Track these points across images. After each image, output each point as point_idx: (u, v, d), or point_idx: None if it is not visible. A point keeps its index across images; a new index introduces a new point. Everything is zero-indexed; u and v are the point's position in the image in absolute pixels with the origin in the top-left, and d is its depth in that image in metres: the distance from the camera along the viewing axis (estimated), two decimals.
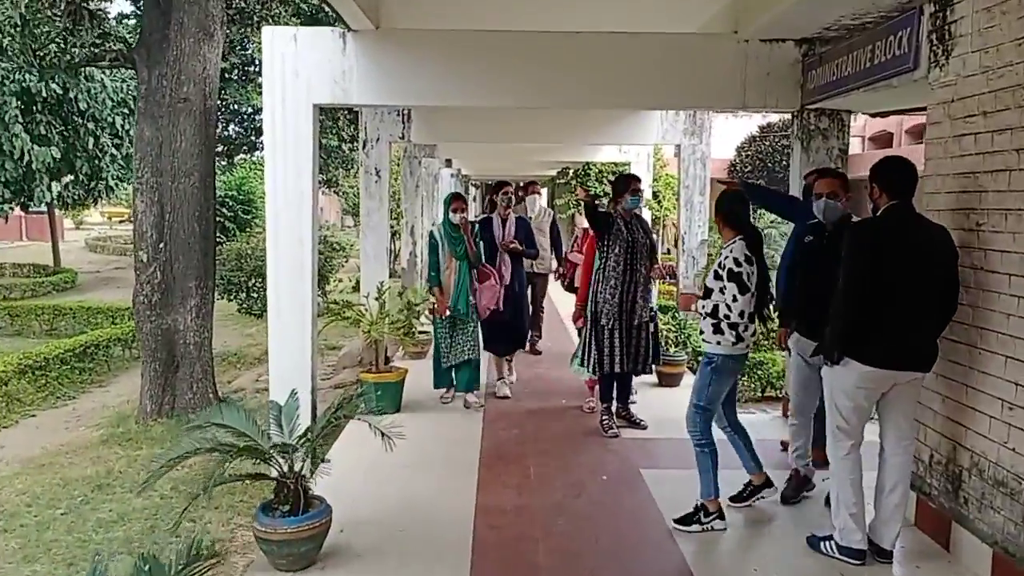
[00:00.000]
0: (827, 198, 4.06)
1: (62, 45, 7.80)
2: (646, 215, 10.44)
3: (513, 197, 7.21)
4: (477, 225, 6.70)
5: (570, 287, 7.36)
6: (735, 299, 3.93)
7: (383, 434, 3.67)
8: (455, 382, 6.54)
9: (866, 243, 3.46)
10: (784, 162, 22.28)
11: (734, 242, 4.03)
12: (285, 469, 3.66)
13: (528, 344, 8.12)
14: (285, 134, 5.36)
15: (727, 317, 3.97)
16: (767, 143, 22.77)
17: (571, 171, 18.85)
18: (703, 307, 4.08)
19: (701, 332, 4.14)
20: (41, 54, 7.87)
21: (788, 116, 19.23)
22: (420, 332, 8.05)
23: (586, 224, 5.84)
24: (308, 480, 3.73)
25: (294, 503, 3.63)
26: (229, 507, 5.12)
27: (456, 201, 6.37)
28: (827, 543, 3.78)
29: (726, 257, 4.01)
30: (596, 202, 5.68)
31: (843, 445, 3.68)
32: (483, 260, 6.49)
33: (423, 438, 5.50)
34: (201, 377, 7.66)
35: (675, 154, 13.87)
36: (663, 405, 6.41)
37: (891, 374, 3.52)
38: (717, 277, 4.03)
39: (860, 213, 4.51)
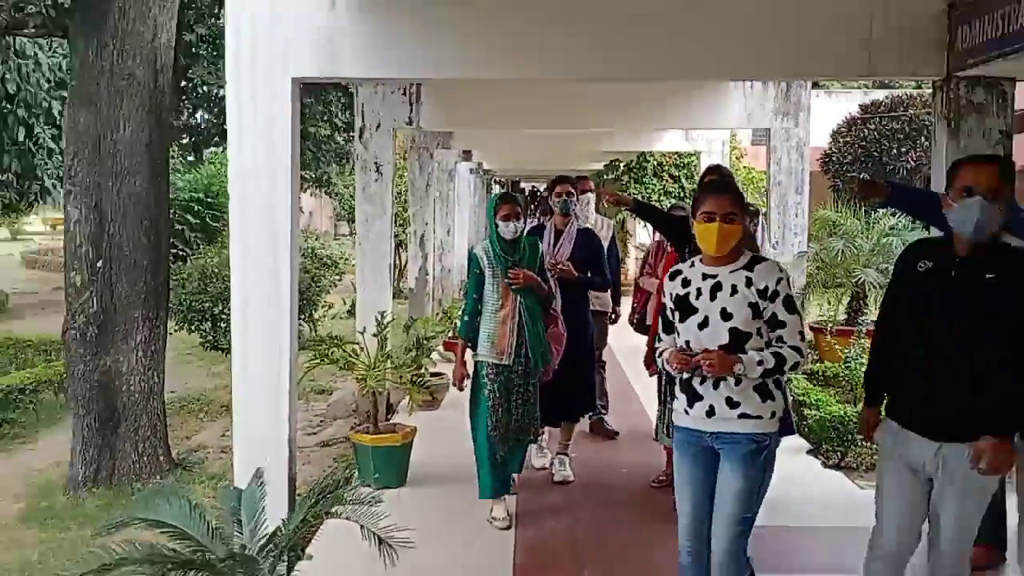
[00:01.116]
0: (977, 195, 3.07)
1: None
2: None
3: (572, 199, 6.15)
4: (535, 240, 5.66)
5: (641, 326, 6.40)
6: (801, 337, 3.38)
7: (381, 540, 3.23)
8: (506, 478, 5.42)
9: None
10: (894, 150, 21.63)
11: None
12: None
13: (589, 417, 7.04)
14: (255, 119, 4.97)
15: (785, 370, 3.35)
16: (871, 127, 22.10)
17: (621, 165, 18.44)
18: (754, 361, 3.27)
19: (734, 405, 3.30)
20: None
21: (907, 91, 18.58)
22: (433, 375, 7.65)
23: (659, 236, 5.39)
24: None
25: None
26: None
27: (506, 205, 5.30)
28: None
29: (775, 280, 3.37)
30: (672, 211, 5.26)
31: None
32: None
33: (437, 524, 5.06)
34: (149, 435, 7.30)
35: (754, 142, 13.44)
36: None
37: None
38: (759, 310, 3.33)
39: None
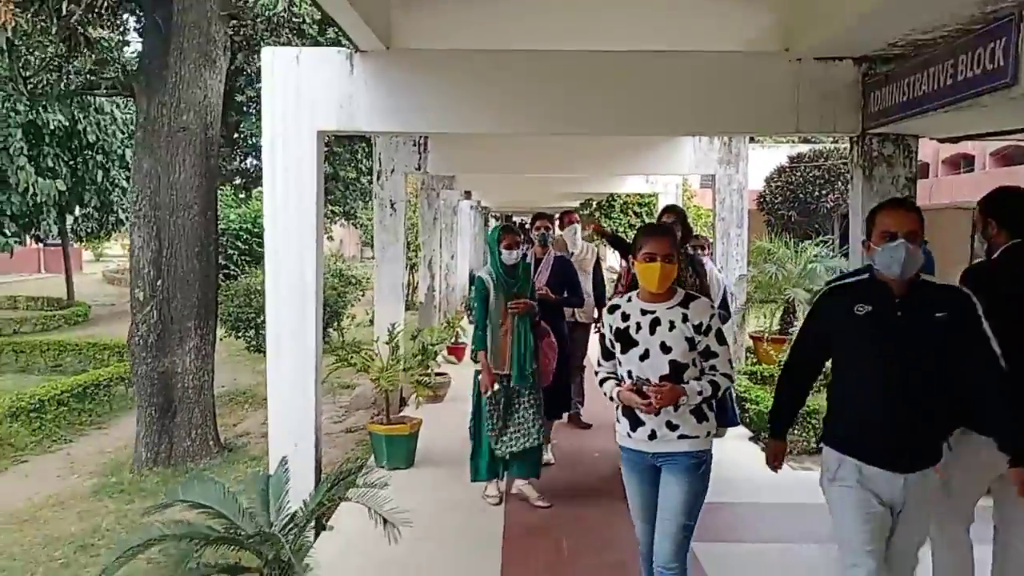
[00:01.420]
0: (900, 239, 2.75)
1: (56, 73, 7.43)
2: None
3: (550, 233, 6.01)
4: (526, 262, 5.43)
5: None
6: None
7: (386, 521, 3.10)
8: (506, 470, 5.19)
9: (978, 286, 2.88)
10: (816, 193, 21.63)
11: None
12: (270, 557, 3.10)
13: (568, 413, 6.79)
14: (286, 163, 4.90)
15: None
16: (798, 174, 22.14)
17: (594, 203, 18.38)
18: (695, 391, 3.05)
19: (673, 427, 3.08)
20: (33, 82, 7.50)
21: (826, 144, 18.66)
22: (437, 374, 7.53)
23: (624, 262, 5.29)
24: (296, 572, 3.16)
25: None
26: None
27: (508, 235, 5.01)
28: None
29: (708, 316, 3.14)
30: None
31: None
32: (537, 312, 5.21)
33: (438, 500, 4.93)
34: (201, 423, 7.17)
35: (702, 185, 13.40)
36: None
37: None
38: (694, 344, 3.11)
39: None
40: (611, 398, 3.20)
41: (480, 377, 4.95)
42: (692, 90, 4.92)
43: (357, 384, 10.26)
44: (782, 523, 4.73)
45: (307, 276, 4.88)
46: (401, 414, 6.16)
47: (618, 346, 3.17)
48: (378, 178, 8.92)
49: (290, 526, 3.14)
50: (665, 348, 3.07)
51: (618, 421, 3.26)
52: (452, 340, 10.11)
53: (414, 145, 8.82)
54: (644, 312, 3.14)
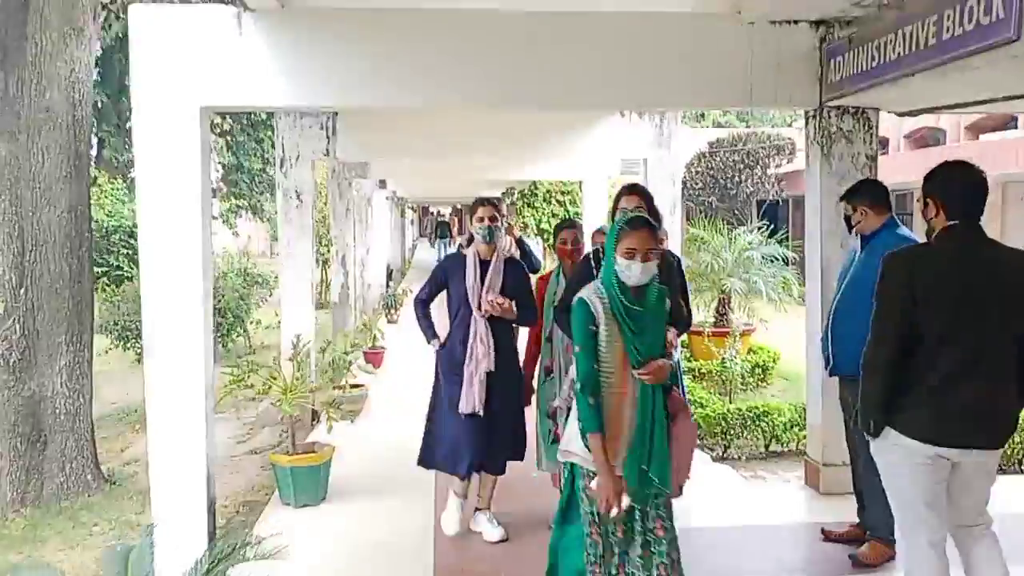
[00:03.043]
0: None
1: None
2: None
3: (498, 226, 4.20)
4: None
5: None
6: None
7: None
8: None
9: (903, 275, 2.73)
10: (736, 178, 21.72)
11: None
12: None
13: None
14: (164, 147, 4.14)
15: None
16: (718, 159, 22.21)
17: (516, 191, 17.85)
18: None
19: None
20: None
21: (744, 131, 18.65)
22: (352, 387, 6.80)
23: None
24: None
25: None
26: None
27: (633, 235, 2.80)
28: None
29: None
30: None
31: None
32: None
33: (356, 543, 4.25)
34: (76, 454, 6.24)
35: (623, 172, 13.03)
36: None
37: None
38: None
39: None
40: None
41: (595, 483, 2.80)
42: (634, 57, 4.43)
43: (265, 397, 9.43)
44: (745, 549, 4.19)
45: (192, 281, 4.15)
46: (311, 439, 5.42)
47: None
48: (281, 166, 8.11)
49: None
50: None
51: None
52: (369, 344, 9.37)
53: (321, 128, 8.04)
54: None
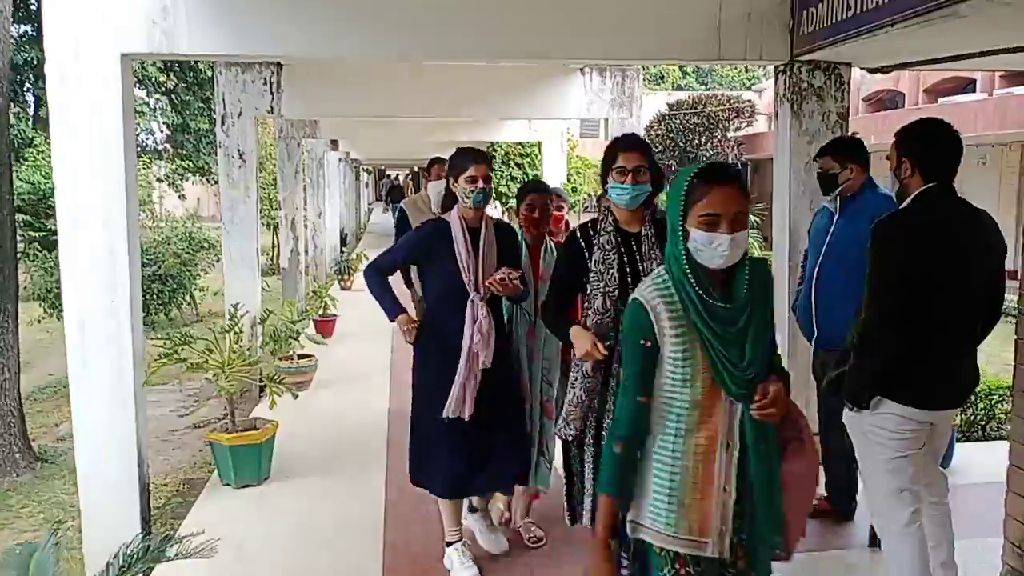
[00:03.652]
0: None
1: None
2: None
3: (490, 188, 3.34)
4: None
5: None
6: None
7: None
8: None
9: (902, 246, 2.64)
10: (696, 140, 21.64)
11: None
12: None
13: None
14: (82, 100, 3.77)
15: None
16: (677, 122, 22.09)
17: None
18: None
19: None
20: None
21: (703, 93, 18.51)
22: (301, 357, 6.50)
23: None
24: None
25: None
26: None
27: (714, 193, 1.90)
28: None
29: None
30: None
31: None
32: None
33: (299, 525, 4.01)
34: (3, 431, 5.89)
35: (583, 135, 12.75)
36: None
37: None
38: None
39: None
40: None
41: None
42: (601, 7, 4.17)
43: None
44: None
45: (117, 248, 3.83)
46: (255, 415, 5.12)
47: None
48: (222, 123, 7.65)
49: None
50: None
51: None
52: (320, 312, 9.04)
53: (265, 83, 7.60)
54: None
